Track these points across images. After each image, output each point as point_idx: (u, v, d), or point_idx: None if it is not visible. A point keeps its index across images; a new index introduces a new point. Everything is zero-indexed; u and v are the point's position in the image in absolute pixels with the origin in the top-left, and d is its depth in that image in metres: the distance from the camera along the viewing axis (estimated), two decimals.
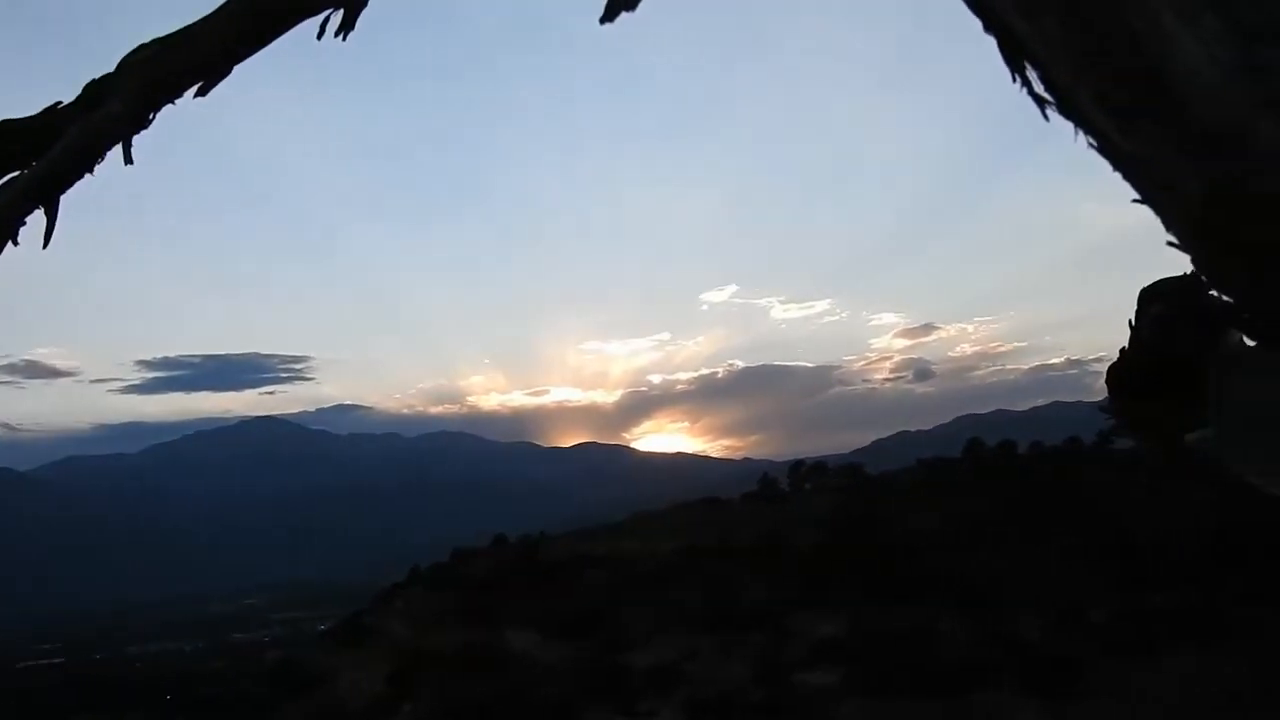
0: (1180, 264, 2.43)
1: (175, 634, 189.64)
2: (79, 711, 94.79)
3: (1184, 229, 2.25)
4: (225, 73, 4.13)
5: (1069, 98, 2.43)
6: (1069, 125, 2.49)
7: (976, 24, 2.63)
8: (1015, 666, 21.37)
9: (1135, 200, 2.37)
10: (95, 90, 4.09)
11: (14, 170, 4.10)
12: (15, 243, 3.97)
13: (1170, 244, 2.31)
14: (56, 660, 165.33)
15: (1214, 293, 2.47)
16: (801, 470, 51.06)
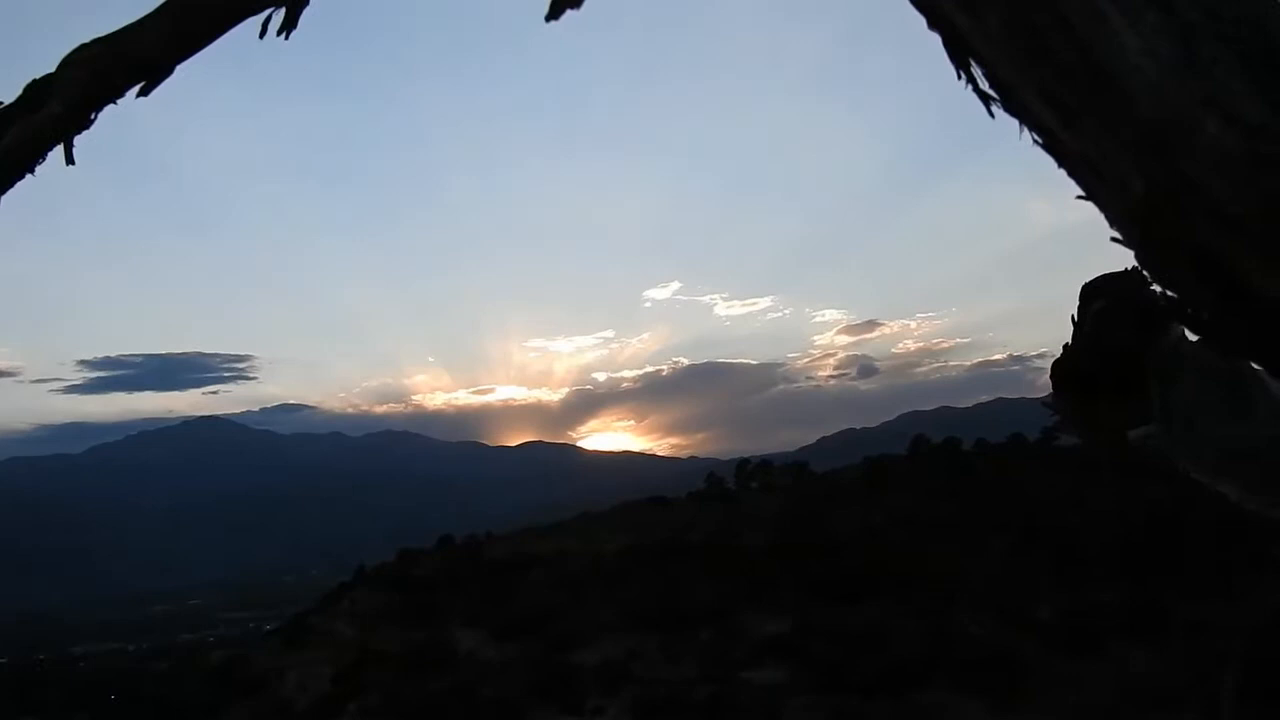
0: (1123, 260, 2.44)
1: (119, 634, 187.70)
2: (21, 713, 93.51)
3: (1127, 225, 2.26)
4: (168, 72, 4.10)
5: (1014, 94, 2.44)
6: (1013, 122, 2.50)
7: (918, 22, 2.63)
8: (961, 663, 21.52)
9: (1079, 197, 2.38)
10: (36, 90, 4.05)
11: None
12: None
13: (1114, 240, 2.32)
14: None
15: (1156, 288, 2.48)
16: (747, 469, 51.22)
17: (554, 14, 3.54)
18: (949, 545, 30.75)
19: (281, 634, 45.39)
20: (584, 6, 3.54)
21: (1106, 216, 2.31)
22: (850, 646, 23.08)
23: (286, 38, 4.18)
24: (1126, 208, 2.20)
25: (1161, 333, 2.73)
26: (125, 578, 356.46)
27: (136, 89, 4.07)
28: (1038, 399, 3.28)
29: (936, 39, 2.62)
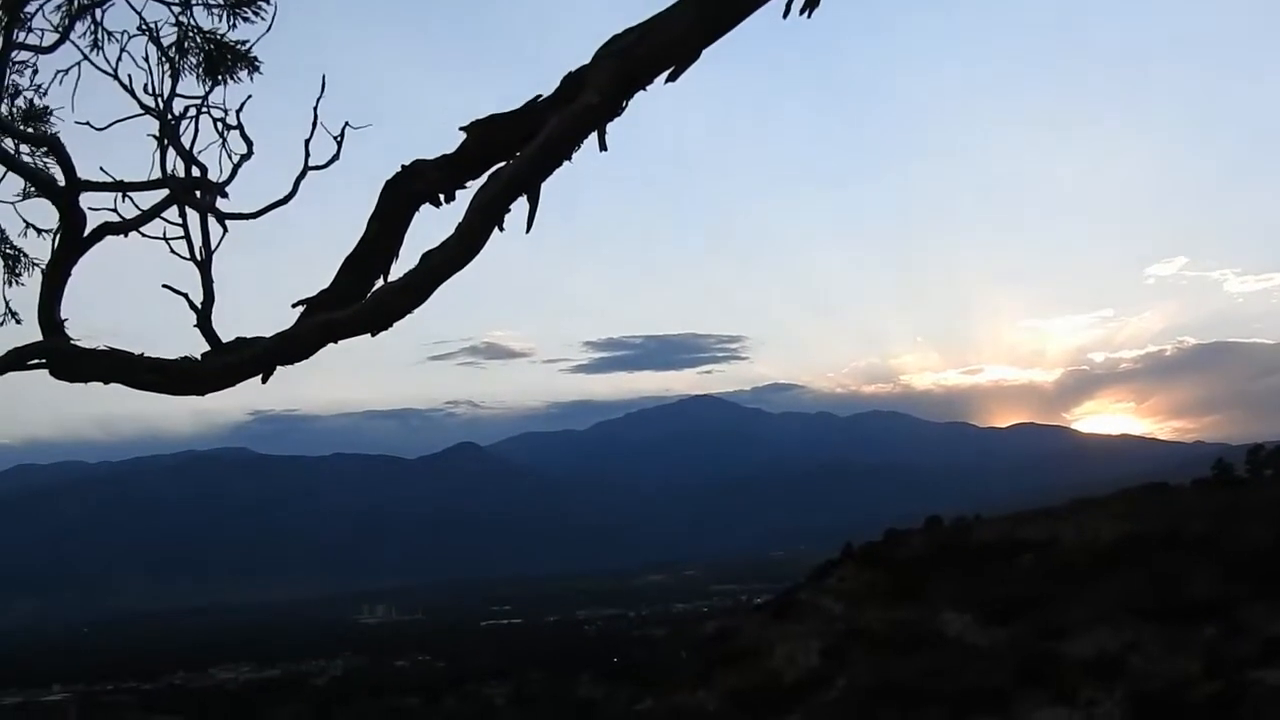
0: None
1: (620, 601, 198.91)
2: (535, 667, 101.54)
3: None
4: (695, 57, 4.45)
5: None
6: None
7: None
8: None
9: None
10: (573, 81, 4.52)
11: (501, 160, 4.59)
12: (501, 229, 4.46)
13: None
14: (515, 621, 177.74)
15: None
16: (1261, 455, 47.83)
17: None
18: None
19: (771, 607, 46.71)
20: None
21: None
22: None
23: (809, 16, 4.42)
24: None
25: None
26: (623, 547, 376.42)
27: (665, 75, 4.45)
28: None
29: None
